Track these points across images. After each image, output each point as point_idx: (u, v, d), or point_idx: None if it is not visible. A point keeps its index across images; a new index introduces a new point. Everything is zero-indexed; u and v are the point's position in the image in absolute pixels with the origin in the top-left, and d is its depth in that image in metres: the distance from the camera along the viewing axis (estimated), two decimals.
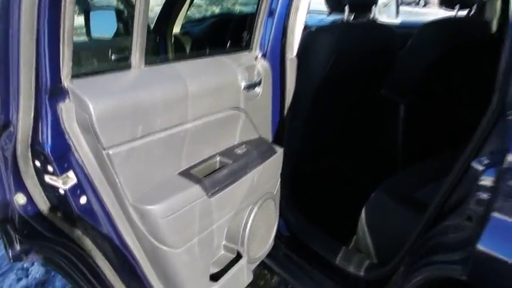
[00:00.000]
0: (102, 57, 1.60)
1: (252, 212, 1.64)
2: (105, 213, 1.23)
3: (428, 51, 2.26)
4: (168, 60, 2.05)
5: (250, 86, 1.60)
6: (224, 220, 1.50)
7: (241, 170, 1.51)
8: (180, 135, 1.33)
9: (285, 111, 1.93)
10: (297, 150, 2.11)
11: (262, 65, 1.70)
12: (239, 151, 1.58)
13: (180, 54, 2.88)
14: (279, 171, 1.80)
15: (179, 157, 1.37)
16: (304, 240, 2.00)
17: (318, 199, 2.26)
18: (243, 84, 1.56)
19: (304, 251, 1.97)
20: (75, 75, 1.11)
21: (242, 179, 1.51)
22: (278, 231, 1.89)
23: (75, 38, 1.11)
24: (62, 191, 1.16)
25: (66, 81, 1.09)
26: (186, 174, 1.38)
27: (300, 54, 1.86)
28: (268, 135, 1.85)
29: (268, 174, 1.71)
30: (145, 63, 1.27)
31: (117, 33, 1.83)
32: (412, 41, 2.33)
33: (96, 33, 1.87)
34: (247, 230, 1.62)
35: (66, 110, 1.10)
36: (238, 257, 1.58)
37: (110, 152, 1.14)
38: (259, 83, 1.64)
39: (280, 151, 1.76)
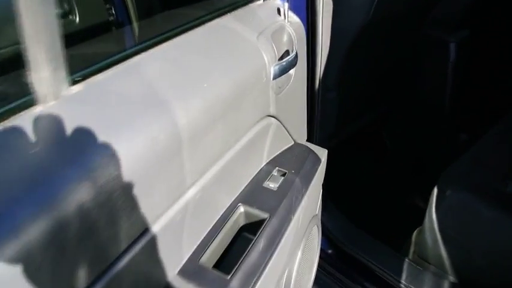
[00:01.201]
0: None
1: (294, 264, 1.05)
2: None
3: None
4: (121, 56, 0.70)
5: (284, 70, 0.88)
6: None
7: (282, 221, 0.88)
8: (175, 219, 0.66)
9: (317, 82, 1.24)
10: (334, 133, 1.48)
11: (292, 22, 0.97)
12: (272, 185, 0.93)
13: (144, 31, 1.44)
14: (322, 180, 1.19)
15: (179, 244, 0.72)
16: (351, 252, 1.47)
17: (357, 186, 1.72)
18: (272, 70, 0.85)
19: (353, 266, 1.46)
20: None
21: (284, 238, 0.88)
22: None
23: None
24: None
25: None
26: (192, 270, 0.74)
27: None
28: (302, 125, 1.18)
29: (314, 197, 1.09)
30: (72, 82, 0.54)
31: None
32: None
33: None
34: None
35: None
36: None
37: None
38: (294, 60, 0.92)
39: (324, 155, 1.12)
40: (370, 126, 1.92)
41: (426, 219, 1.39)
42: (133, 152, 0.53)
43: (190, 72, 0.68)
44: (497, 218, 1.18)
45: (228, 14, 0.86)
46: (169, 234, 0.65)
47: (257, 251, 0.80)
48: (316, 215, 1.22)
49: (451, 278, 1.35)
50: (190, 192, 0.67)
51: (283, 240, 0.87)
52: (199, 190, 0.69)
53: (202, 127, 0.65)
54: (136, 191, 0.55)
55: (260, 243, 0.81)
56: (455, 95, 1.86)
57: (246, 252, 0.78)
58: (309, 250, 1.19)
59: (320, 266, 1.47)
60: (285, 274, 0.99)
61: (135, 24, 1.15)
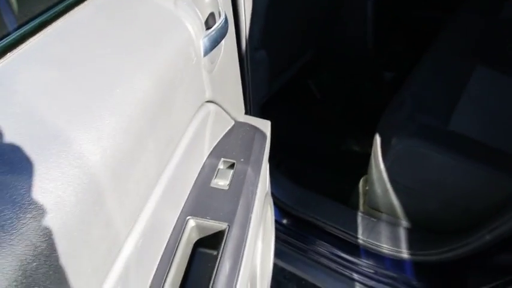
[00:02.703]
0: None
1: (257, 259, 0.93)
2: None
3: None
4: None
5: (215, 41, 0.68)
6: None
7: (243, 227, 0.74)
8: None
9: (243, 43, 1.07)
10: (266, 93, 1.34)
11: None
12: (222, 183, 0.77)
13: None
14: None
15: None
16: (303, 216, 1.40)
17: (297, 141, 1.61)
18: (202, 44, 0.65)
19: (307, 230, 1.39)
20: None
21: (248, 243, 0.75)
22: None
23: None
24: None
25: None
26: None
27: None
28: (239, 99, 1.01)
29: (265, 176, 0.96)
30: None
31: None
32: None
33: None
34: (258, 286, 0.94)
35: None
36: None
37: None
38: (225, 26, 0.72)
39: (268, 128, 0.98)
40: (296, 78, 1.80)
41: (373, 169, 1.35)
42: (29, 236, 0.33)
43: (89, 77, 0.46)
44: (445, 160, 1.16)
45: None
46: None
47: (224, 274, 0.65)
48: (267, 192, 1.10)
49: (405, 224, 1.35)
50: (128, 247, 0.48)
51: (247, 247, 0.73)
52: (139, 235, 0.50)
53: (127, 155, 0.45)
54: (53, 285, 0.35)
55: (225, 263, 0.66)
56: (377, 35, 1.80)
57: (212, 282, 0.62)
58: (266, 233, 1.08)
59: (275, 237, 1.38)
60: (250, 275, 0.87)
61: None
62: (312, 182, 1.56)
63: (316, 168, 1.68)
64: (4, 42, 0.47)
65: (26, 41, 0.48)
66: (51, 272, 0.35)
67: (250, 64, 1.13)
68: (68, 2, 0.54)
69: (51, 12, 0.52)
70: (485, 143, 1.16)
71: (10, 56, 0.46)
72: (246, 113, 1.13)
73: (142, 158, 0.48)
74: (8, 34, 0.48)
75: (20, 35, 0.48)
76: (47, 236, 0.35)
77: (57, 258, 0.36)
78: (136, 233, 0.50)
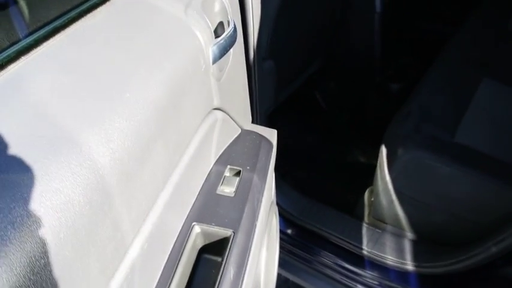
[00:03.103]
0: None
1: (261, 266, 0.93)
2: None
3: None
4: None
5: (224, 49, 0.70)
6: None
7: (248, 234, 0.74)
8: None
9: (251, 53, 1.08)
10: (273, 103, 1.35)
11: None
12: (227, 190, 0.78)
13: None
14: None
15: None
16: (308, 226, 1.40)
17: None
18: (211, 52, 0.66)
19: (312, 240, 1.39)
20: None
21: (253, 251, 0.75)
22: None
23: None
24: None
25: None
26: None
27: None
28: (246, 107, 1.02)
29: (270, 185, 0.96)
30: None
31: None
32: None
33: None
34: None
35: None
36: None
37: None
38: (234, 34, 0.73)
39: (274, 136, 0.99)
40: (302, 89, 1.81)
41: (379, 181, 1.34)
42: (38, 233, 0.34)
43: (100, 81, 0.47)
44: (451, 172, 1.16)
45: None
46: None
47: (228, 280, 0.65)
48: (273, 201, 1.10)
49: (410, 235, 1.34)
50: (134, 249, 0.49)
51: (251, 255, 0.73)
52: (145, 238, 0.51)
53: (135, 158, 0.46)
54: (61, 283, 0.36)
55: (229, 270, 0.66)
56: (383, 46, 1.81)
57: (216, 287, 0.63)
58: (271, 242, 1.08)
59: (280, 247, 1.38)
60: (253, 279, 0.87)
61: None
62: (318, 192, 1.56)
63: (321, 178, 1.68)
64: (18, 47, 0.49)
65: (39, 45, 0.49)
66: (58, 270, 0.36)
67: (257, 74, 1.14)
68: (81, 9, 0.56)
69: (65, 18, 0.54)
70: (492, 155, 1.16)
71: (24, 60, 0.47)
72: (253, 122, 1.14)
73: (151, 162, 0.49)
74: (22, 39, 0.49)
75: (34, 40, 0.49)
76: (56, 234, 0.35)
77: (65, 257, 0.36)
78: (142, 235, 0.50)
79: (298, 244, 1.38)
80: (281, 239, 1.38)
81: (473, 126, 1.25)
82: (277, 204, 1.41)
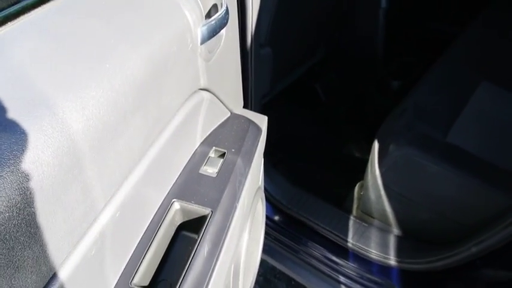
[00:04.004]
0: None
1: (242, 249, 0.95)
2: None
3: None
4: None
5: (214, 31, 0.71)
6: None
7: (227, 214, 0.76)
8: (87, 255, 0.50)
9: (249, 39, 1.08)
10: (268, 91, 1.35)
11: None
12: (210, 170, 0.79)
13: None
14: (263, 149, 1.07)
15: (101, 277, 0.56)
16: (295, 215, 1.41)
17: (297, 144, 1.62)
18: (199, 32, 0.67)
19: (298, 229, 1.41)
20: None
21: (230, 232, 0.76)
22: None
23: None
24: None
25: None
26: None
27: None
28: (238, 92, 1.03)
29: (257, 171, 0.98)
30: None
31: None
32: None
33: None
34: (240, 275, 0.96)
35: None
36: None
37: None
38: (225, 17, 0.74)
39: (264, 122, 1.00)
40: (302, 80, 1.82)
41: (369, 175, 1.36)
42: (5, 188, 0.35)
43: (81, 50, 0.49)
44: (441, 171, 1.16)
45: None
46: (83, 274, 0.49)
47: (202, 257, 0.67)
48: (260, 186, 1.11)
49: (396, 231, 1.35)
50: (105, 215, 0.50)
51: (229, 235, 0.75)
52: (117, 207, 0.52)
53: (110, 127, 0.47)
54: (25, 238, 0.37)
55: (204, 246, 0.68)
56: (387, 42, 1.80)
57: (188, 263, 0.64)
58: (255, 226, 1.10)
59: (266, 233, 1.40)
60: (233, 264, 0.89)
61: None
62: (309, 182, 1.57)
63: (314, 169, 1.69)
64: (6, 13, 0.50)
65: (26, 13, 0.51)
66: (23, 225, 0.37)
67: (254, 60, 1.15)
68: None
69: None
70: (481, 157, 1.16)
71: (10, 26, 0.49)
72: (247, 108, 1.15)
73: (127, 134, 0.51)
74: (9, 6, 0.50)
75: (21, 7, 0.51)
76: (23, 191, 0.37)
77: (30, 213, 0.38)
78: (114, 203, 0.52)
79: (284, 232, 1.40)
80: (268, 225, 1.40)
81: (466, 127, 1.25)
82: (267, 191, 1.42)
